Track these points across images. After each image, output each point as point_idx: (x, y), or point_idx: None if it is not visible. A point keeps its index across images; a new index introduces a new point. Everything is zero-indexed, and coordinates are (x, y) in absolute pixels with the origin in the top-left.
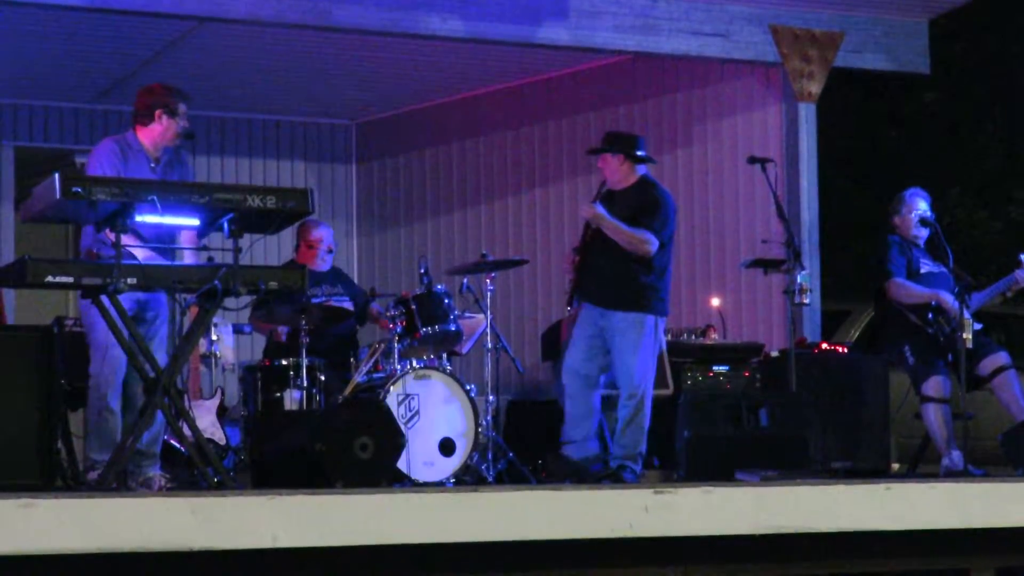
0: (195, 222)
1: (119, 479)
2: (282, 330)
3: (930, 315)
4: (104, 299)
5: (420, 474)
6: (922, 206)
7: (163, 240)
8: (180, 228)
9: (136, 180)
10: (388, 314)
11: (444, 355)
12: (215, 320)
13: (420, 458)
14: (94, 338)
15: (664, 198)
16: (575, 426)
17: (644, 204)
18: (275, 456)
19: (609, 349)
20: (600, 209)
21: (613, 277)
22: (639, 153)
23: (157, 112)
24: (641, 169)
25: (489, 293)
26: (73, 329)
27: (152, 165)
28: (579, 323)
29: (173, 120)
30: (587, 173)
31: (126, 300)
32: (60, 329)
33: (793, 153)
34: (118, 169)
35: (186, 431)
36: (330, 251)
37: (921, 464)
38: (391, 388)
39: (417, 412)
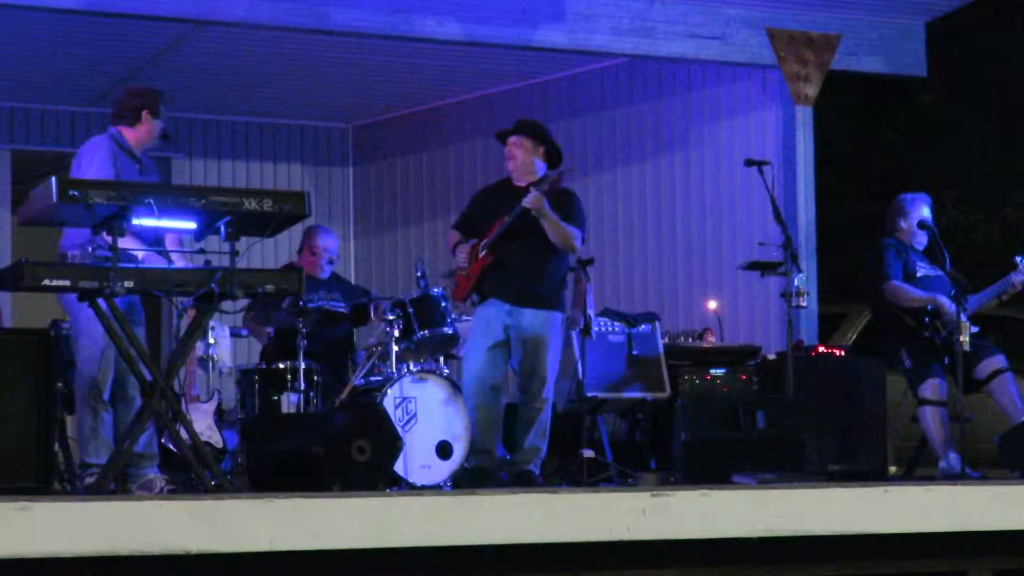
0: (191, 225)
1: (117, 482)
2: (268, 331)
3: (926, 318)
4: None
5: (417, 477)
6: (924, 211)
7: (149, 242)
8: (166, 231)
9: (133, 183)
10: (386, 317)
11: (441, 358)
12: (212, 323)
13: (417, 461)
14: (87, 340)
15: (576, 195)
16: (486, 435)
17: (561, 202)
18: (272, 459)
19: (514, 348)
20: (545, 203)
21: (528, 274)
22: (554, 147)
23: (145, 113)
24: (541, 168)
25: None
26: (70, 332)
27: (138, 167)
28: (481, 327)
29: (157, 120)
30: (584, 176)
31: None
32: (57, 332)
33: (790, 156)
34: (116, 167)
35: (183, 434)
36: (331, 261)
37: (918, 467)
38: (388, 391)
39: (414, 415)
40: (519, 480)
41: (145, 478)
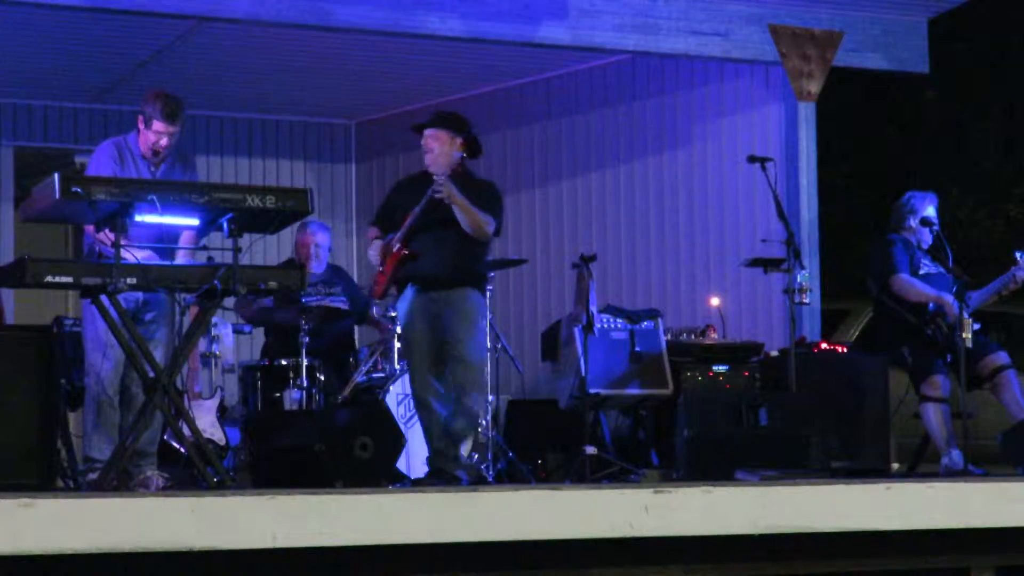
0: (194, 222)
1: (120, 479)
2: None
3: (928, 315)
4: (104, 299)
5: (419, 474)
6: (929, 210)
7: (164, 240)
8: (182, 228)
9: (135, 180)
10: (388, 315)
11: None
12: (215, 320)
13: (419, 458)
14: (95, 335)
15: (496, 186)
16: (441, 436)
17: (478, 191)
18: (275, 456)
19: (443, 332)
20: (454, 188)
21: (448, 258)
22: (472, 138)
23: (139, 118)
24: (457, 157)
25: (488, 292)
26: (73, 329)
27: (152, 168)
28: (411, 325)
29: (147, 131)
30: (587, 173)
31: (125, 300)
32: (59, 329)
33: (793, 152)
34: (114, 171)
35: (186, 431)
36: (316, 252)
37: (921, 463)
38: (390, 388)
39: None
40: (438, 475)
41: (143, 475)
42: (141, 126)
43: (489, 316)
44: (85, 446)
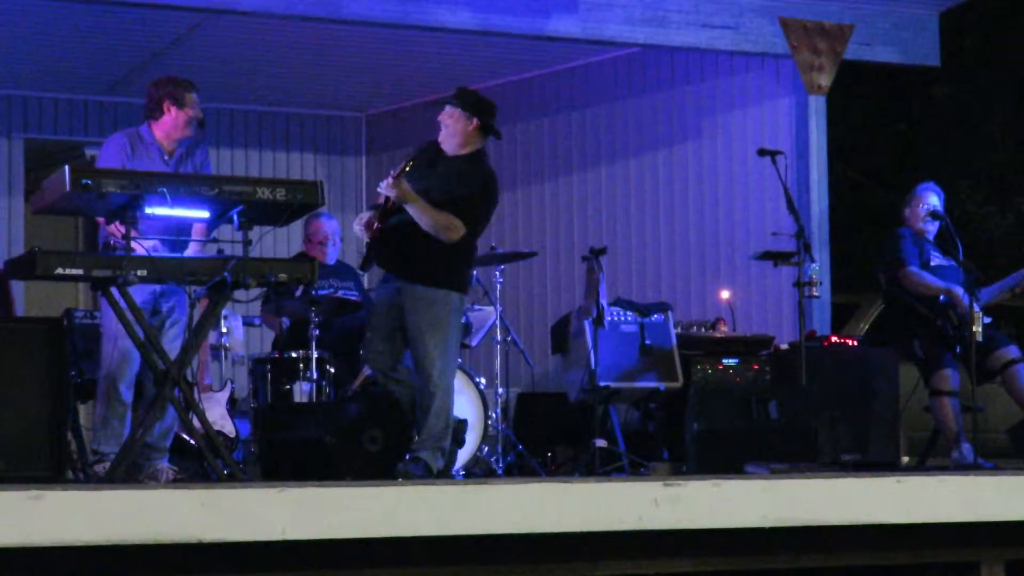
0: (205, 214)
1: (129, 471)
2: (283, 321)
3: (939, 307)
4: (114, 291)
5: None
6: (933, 200)
7: (175, 233)
8: (193, 220)
9: (146, 172)
10: None
11: None
12: (225, 312)
13: None
14: (106, 328)
15: (492, 184)
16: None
17: (468, 183)
18: (285, 448)
19: (406, 329)
20: (407, 187)
21: (416, 249)
22: (491, 124)
23: (165, 104)
24: (477, 140)
25: (498, 285)
26: (83, 321)
27: (166, 158)
28: (376, 306)
29: (182, 110)
30: (596, 166)
31: (142, 292)
32: (70, 321)
33: (803, 146)
34: (123, 163)
35: (196, 423)
36: (327, 242)
37: (931, 457)
38: None
39: None
40: (406, 468)
41: (153, 468)
42: (171, 111)
43: (499, 309)
44: (93, 439)
